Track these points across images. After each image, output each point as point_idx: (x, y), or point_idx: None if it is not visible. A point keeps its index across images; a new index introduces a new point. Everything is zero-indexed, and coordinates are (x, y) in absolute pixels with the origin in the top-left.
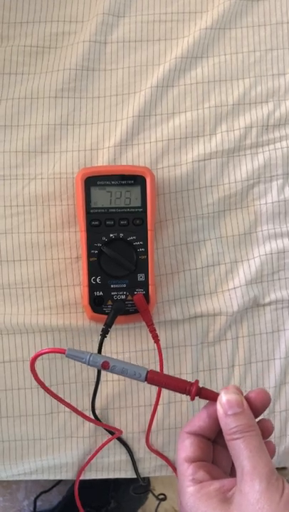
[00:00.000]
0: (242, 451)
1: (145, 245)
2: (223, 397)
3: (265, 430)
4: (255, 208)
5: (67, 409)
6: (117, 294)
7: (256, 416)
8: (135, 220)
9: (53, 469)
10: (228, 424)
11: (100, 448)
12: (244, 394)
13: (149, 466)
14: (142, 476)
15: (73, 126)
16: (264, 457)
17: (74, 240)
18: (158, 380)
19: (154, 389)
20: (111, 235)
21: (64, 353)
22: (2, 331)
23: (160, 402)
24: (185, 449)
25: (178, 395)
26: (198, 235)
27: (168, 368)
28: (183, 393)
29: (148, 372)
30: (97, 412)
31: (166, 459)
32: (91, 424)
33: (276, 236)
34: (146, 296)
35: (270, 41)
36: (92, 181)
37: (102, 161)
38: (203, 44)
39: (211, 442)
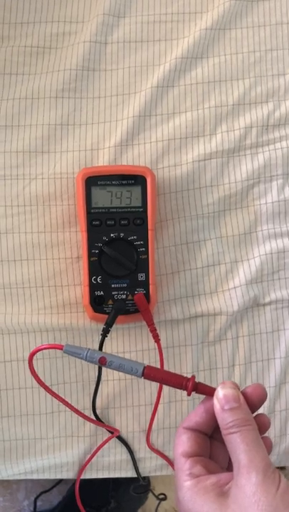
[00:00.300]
0: (238, 445)
1: (146, 245)
2: (220, 392)
3: (261, 425)
4: (255, 208)
5: (68, 408)
6: (117, 294)
7: (253, 411)
8: (136, 220)
9: (54, 469)
10: (225, 419)
11: (99, 448)
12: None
13: (150, 466)
14: (142, 475)
15: (74, 126)
16: (261, 451)
17: (74, 240)
18: (155, 375)
19: (155, 388)
20: (112, 235)
21: (61, 349)
22: (3, 330)
23: (160, 401)
24: (182, 444)
25: (178, 394)
26: (199, 234)
27: (168, 368)
28: (180, 388)
29: (145, 367)
30: (98, 411)
31: (167, 458)
32: (92, 423)
33: (276, 236)
34: (147, 295)
35: (270, 42)
36: (93, 181)
37: (103, 161)
38: (203, 44)
39: (208, 437)
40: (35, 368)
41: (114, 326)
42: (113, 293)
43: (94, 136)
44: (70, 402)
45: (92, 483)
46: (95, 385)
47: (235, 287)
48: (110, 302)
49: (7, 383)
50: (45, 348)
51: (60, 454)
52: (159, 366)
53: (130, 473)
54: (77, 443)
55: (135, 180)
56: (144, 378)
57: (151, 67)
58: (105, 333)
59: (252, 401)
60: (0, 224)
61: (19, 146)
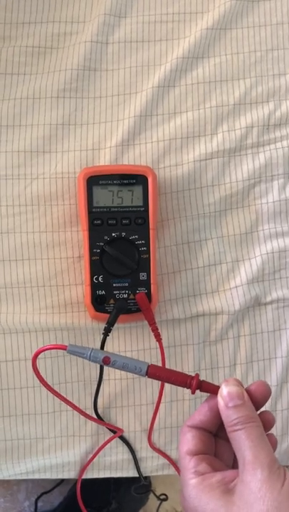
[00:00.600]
0: (243, 442)
1: (147, 244)
2: (224, 390)
3: (266, 422)
4: (256, 207)
5: (69, 408)
6: (119, 293)
7: (257, 408)
8: (137, 220)
9: (56, 468)
10: (229, 416)
11: (102, 447)
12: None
13: (151, 465)
14: (144, 475)
15: (75, 126)
16: (265, 447)
17: (76, 240)
18: (159, 374)
19: (156, 387)
20: (113, 234)
21: (65, 349)
22: (4, 330)
23: (162, 400)
24: (187, 442)
25: (180, 393)
26: (200, 234)
27: (170, 367)
28: (184, 387)
29: (149, 366)
30: (99, 410)
31: (169, 458)
32: (93, 422)
33: (277, 235)
34: (148, 295)
35: (270, 41)
36: (95, 181)
37: (104, 160)
38: (204, 44)
39: (212, 436)
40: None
41: (115, 325)
42: (115, 292)
43: (95, 136)
44: (71, 401)
45: (93, 484)
46: (96, 385)
47: (236, 286)
48: (112, 301)
49: (8, 383)
50: (49, 349)
51: (61, 453)
52: (161, 365)
53: (132, 473)
54: (78, 443)
55: (136, 179)
56: (148, 377)
57: (152, 67)
58: (107, 332)
59: (256, 398)
60: (1, 224)
61: (21, 145)
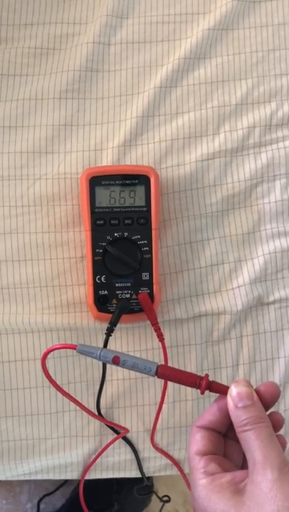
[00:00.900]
0: (253, 442)
1: (149, 244)
2: (234, 390)
3: (275, 423)
4: (258, 207)
5: (72, 408)
6: (121, 293)
7: (266, 409)
8: (139, 220)
9: (58, 469)
10: (239, 417)
11: (106, 447)
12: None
13: (154, 466)
14: (146, 475)
15: (77, 126)
16: (275, 448)
17: (78, 240)
18: (168, 374)
19: (159, 388)
20: (115, 234)
21: (75, 349)
22: (7, 330)
23: (165, 400)
24: (196, 442)
25: (183, 393)
26: (202, 234)
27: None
28: (193, 387)
29: (158, 366)
30: (102, 411)
31: (171, 458)
32: (96, 423)
33: (280, 235)
34: (151, 295)
35: (272, 42)
36: (97, 181)
37: (106, 161)
38: (206, 45)
39: (222, 436)
40: (39, 368)
41: (118, 325)
42: (117, 292)
43: (97, 137)
44: (80, 402)
45: (95, 485)
46: (99, 385)
47: (239, 286)
48: (114, 301)
49: (11, 383)
50: (58, 348)
51: (64, 454)
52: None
53: (134, 474)
54: (81, 443)
55: (139, 179)
56: (158, 377)
57: (154, 68)
58: (109, 332)
59: (265, 399)
60: (4, 224)
61: (23, 146)
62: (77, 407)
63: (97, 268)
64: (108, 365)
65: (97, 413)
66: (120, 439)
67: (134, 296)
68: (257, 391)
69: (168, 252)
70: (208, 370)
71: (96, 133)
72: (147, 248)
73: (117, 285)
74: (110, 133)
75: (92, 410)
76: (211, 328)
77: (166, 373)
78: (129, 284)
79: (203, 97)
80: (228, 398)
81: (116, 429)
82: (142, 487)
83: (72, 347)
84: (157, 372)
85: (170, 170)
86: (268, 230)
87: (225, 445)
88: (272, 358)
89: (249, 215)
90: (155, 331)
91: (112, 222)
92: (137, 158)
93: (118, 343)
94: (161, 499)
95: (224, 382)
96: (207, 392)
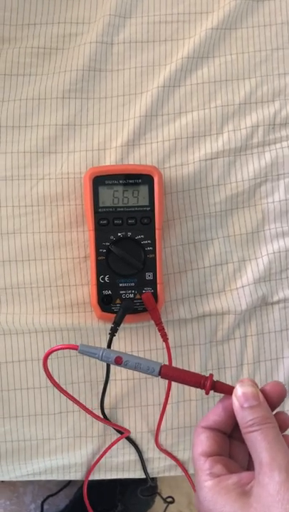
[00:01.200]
0: (260, 443)
1: (153, 244)
2: (239, 390)
3: (282, 423)
4: (262, 207)
5: (76, 408)
6: (125, 293)
7: (272, 409)
8: (143, 219)
9: (62, 469)
10: (245, 417)
11: (108, 448)
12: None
13: (158, 466)
14: (150, 476)
15: (81, 126)
16: (282, 449)
17: (82, 240)
18: (172, 374)
19: (163, 388)
20: (119, 234)
21: (77, 349)
22: (11, 330)
23: (169, 401)
24: (201, 443)
25: (187, 393)
26: (206, 233)
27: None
28: (197, 387)
29: (162, 366)
30: (106, 411)
31: (176, 459)
32: (100, 423)
33: (284, 234)
34: (155, 294)
35: (275, 41)
36: (100, 181)
37: (110, 160)
38: (209, 44)
39: (227, 436)
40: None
41: (122, 325)
42: (121, 292)
43: (101, 136)
44: (81, 402)
45: (99, 487)
46: (103, 385)
47: (243, 286)
48: (118, 301)
49: (15, 383)
50: (60, 349)
51: (68, 454)
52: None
53: (138, 474)
54: (85, 443)
55: (142, 179)
56: (161, 377)
57: (157, 67)
58: (113, 332)
59: (271, 399)
60: (8, 224)
61: (26, 146)
62: None
63: (101, 268)
64: (112, 365)
65: (101, 413)
66: (124, 440)
67: (137, 296)
68: (262, 391)
69: (172, 251)
70: (212, 370)
71: (99, 132)
72: (151, 248)
73: (120, 285)
74: (114, 132)
75: (96, 410)
76: (215, 328)
77: (170, 373)
78: (132, 284)
79: (207, 97)
80: (234, 398)
81: (120, 430)
82: (145, 488)
83: (74, 347)
84: (161, 372)
85: (174, 169)
86: (272, 229)
87: (230, 446)
88: (276, 358)
89: (253, 215)
90: (159, 330)
91: (115, 222)
92: (141, 158)
93: (122, 343)
94: (165, 500)
95: (229, 383)
96: (212, 392)
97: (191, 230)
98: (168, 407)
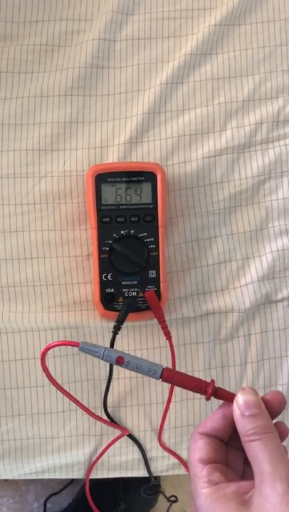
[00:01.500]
0: (261, 453)
1: (156, 242)
2: (240, 398)
3: (280, 433)
4: (266, 204)
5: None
6: (128, 291)
7: (272, 418)
8: (146, 217)
9: (65, 468)
10: (246, 426)
11: (107, 448)
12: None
13: (162, 465)
14: (154, 475)
15: (83, 123)
16: (283, 459)
17: (85, 238)
18: (173, 378)
19: (167, 386)
20: (122, 232)
21: (78, 346)
22: (14, 328)
23: (172, 399)
24: (198, 450)
25: (190, 392)
26: (210, 231)
27: (180, 366)
28: (198, 392)
29: (163, 369)
30: (109, 409)
31: (179, 458)
32: (102, 423)
33: (288, 232)
34: (158, 292)
35: (279, 37)
36: (103, 178)
37: (113, 158)
38: (212, 41)
39: (224, 444)
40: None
41: (125, 323)
42: (124, 290)
43: (103, 134)
44: (80, 400)
45: (101, 485)
46: (106, 384)
47: (246, 284)
48: (121, 299)
49: (18, 382)
50: (59, 345)
51: (71, 453)
52: (170, 364)
53: (142, 473)
54: (88, 442)
55: (145, 176)
56: (162, 380)
57: (160, 64)
58: (116, 330)
59: (272, 408)
60: (10, 222)
61: (29, 144)
62: None
63: (104, 266)
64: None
65: (104, 412)
66: (128, 439)
67: (140, 294)
68: (263, 400)
69: (175, 249)
70: (216, 369)
71: (102, 130)
72: (154, 246)
73: (123, 283)
74: (116, 130)
75: (99, 409)
76: (219, 327)
77: (171, 377)
78: (135, 282)
79: (210, 94)
80: (235, 406)
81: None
82: (149, 487)
83: (75, 344)
84: (162, 375)
85: (177, 167)
86: (275, 227)
87: (226, 454)
88: (280, 356)
89: (257, 212)
90: (162, 329)
91: (118, 219)
92: (144, 155)
93: (125, 342)
94: (168, 499)
95: (232, 381)
96: None
97: (194, 227)
98: (171, 405)
